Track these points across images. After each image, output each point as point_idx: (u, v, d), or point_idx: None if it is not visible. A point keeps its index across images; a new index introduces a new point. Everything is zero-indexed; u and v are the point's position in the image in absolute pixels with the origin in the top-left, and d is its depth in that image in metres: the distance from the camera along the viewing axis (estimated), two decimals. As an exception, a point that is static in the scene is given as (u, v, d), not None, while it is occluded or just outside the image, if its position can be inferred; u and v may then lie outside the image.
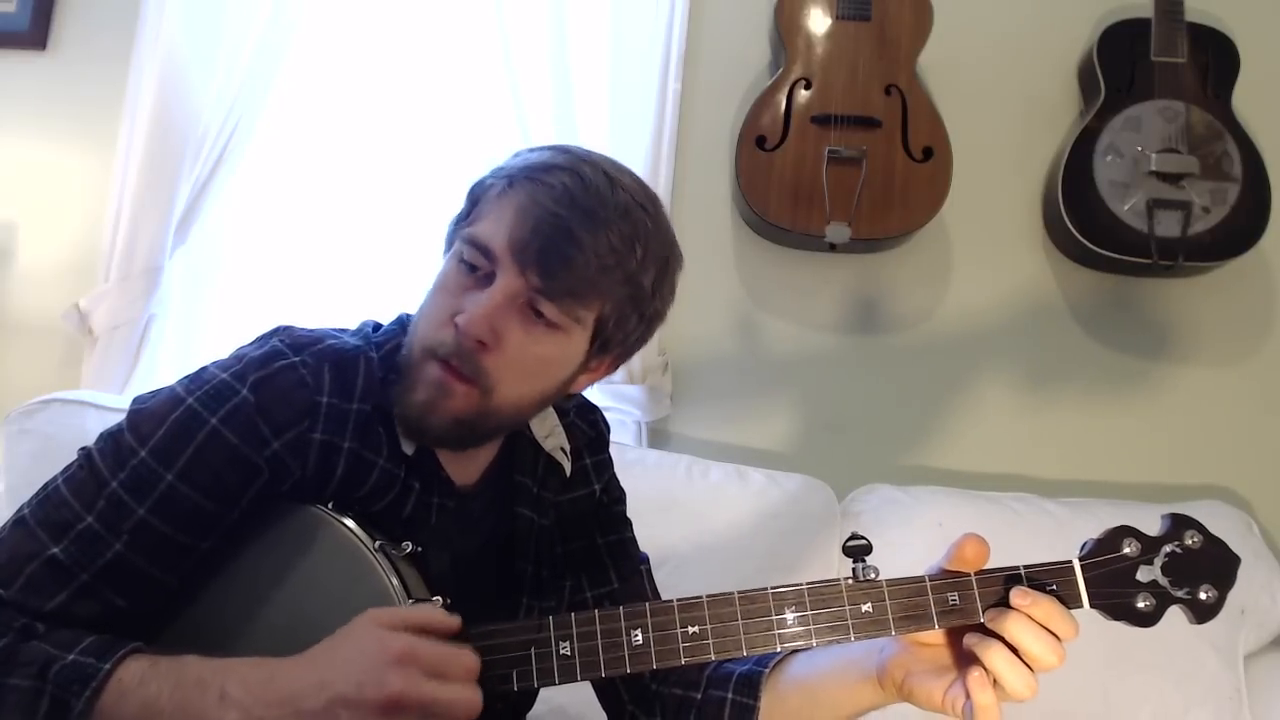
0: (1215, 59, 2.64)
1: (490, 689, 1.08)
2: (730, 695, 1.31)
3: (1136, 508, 2.40)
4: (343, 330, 1.29)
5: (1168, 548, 1.16)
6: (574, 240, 1.13)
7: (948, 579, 1.15)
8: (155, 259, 2.56)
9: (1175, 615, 1.16)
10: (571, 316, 1.17)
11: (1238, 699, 2.25)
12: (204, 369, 1.19)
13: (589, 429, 1.47)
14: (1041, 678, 1.10)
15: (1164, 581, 1.15)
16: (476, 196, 1.24)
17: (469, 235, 1.18)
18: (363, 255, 2.76)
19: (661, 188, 2.60)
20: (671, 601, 1.15)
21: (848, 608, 1.14)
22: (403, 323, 1.29)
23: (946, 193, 2.57)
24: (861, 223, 2.53)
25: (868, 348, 2.78)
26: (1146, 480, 2.69)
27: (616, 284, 1.17)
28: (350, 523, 1.16)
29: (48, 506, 1.12)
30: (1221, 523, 2.23)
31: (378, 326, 1.32)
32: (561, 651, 1.13)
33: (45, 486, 1.15)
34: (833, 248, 2.60)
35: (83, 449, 1.17)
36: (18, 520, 1.13)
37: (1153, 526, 1.19)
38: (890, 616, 1.14)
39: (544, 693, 1.24)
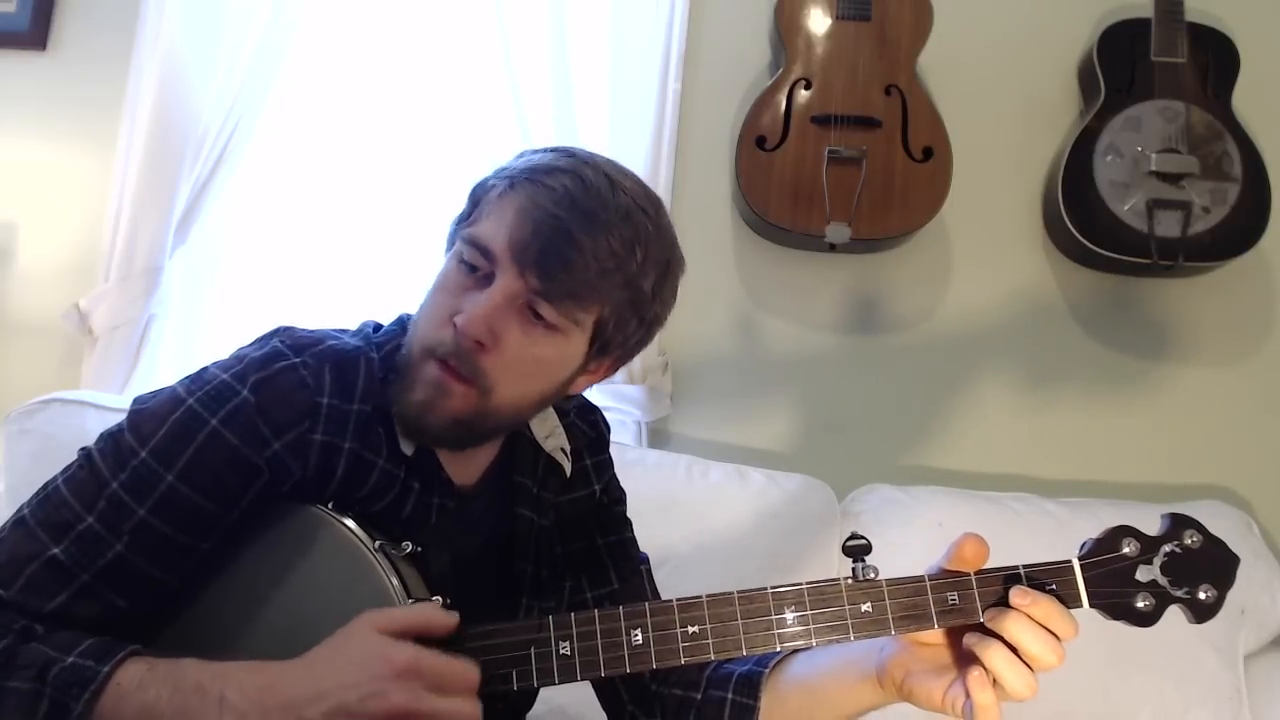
0: (1215, 59, 2.64)
1: (490, 689, 1.08)
2: (730, 695, 1.31)
3: (1136, 508, 2.40)
4: (343, 331, 1.29)
5: (1167, 547, 1.16)
6: (574, 243, 1.13)
7: (947, 579, 1.15)
8: (155, 259, 2.56)
9: (1175, 615, 1.16)
10: (570, 319, 1.17)
11: (1238, 699, 2.25)
12: (205, 369, 1.19)
13: (589, 429, 1.47)
14: (1042, 677, 1.10)
15: (1163, 581, 1.15)
16: (478, 197, 1.24)
17: (469, 236, 1.18)
18: (363, 255, 2.76)
19: (661, 188, 2.60)
20: (671, 601, 1.15)
21: (847, 607, 1.14)
22: (403, 323, 1.29)
23: (946, 193, 2.57)
24: (861, 223, 2.53)
25: (868, 348, 2.78)
26: (1146, 480, 2.69)
27: (616, 287, 1.17)
28: (350, 523, 1.16)
29: (48, 507, 1.12)
30: (1221, 523, 2.23)
31: (378, 327, 1.32)
32: (561, 651, 1.13)
33: (45, 486, 1.15)
34: (833, 248, 2.60)
35: (83, 449, 1.17)
36: (18, 520, 1.13)
37: (1152, 526, 1.19)
38: (890, 616, 1.14)
39: (544, 692, 1.24)
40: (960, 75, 2.77)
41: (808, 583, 1.15)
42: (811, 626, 1.14)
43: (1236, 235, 2.54)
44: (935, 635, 1.18)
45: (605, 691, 1.43)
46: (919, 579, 1.15)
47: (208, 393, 1.14)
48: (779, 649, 1.15)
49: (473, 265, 1.17)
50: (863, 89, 2.59)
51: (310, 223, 2.77)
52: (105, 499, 1.11)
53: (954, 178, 2.57)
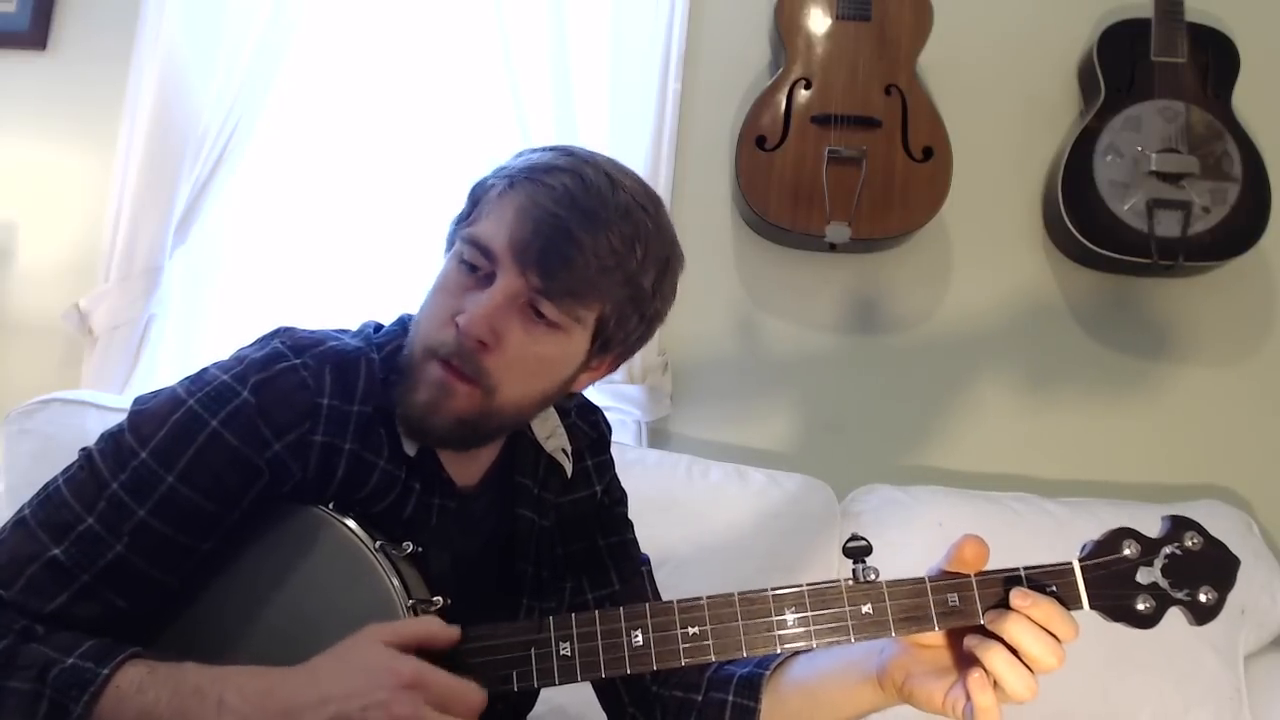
0: (1215, 59, 2.64)
1: (491, 689, 1.08)
2: (731, 697, 1.31)
3: (1136, 508, 2.40)
4: (344, 331, 1.29)
5: (1167, 549, 1.16)
6: (574, 241, 1.13)
7: (947, 580, 1.15)
8: (155, 259, 2.56)
9: (1175, 616, 1.16)
10: (572, 316, 1.17)
11: (1238, 699, 2.25)
12: (205, 370, 1.19)
13: (590, 430, 1.47)
14: (1042, 678, 1.10)
15: (1164, 583, 1.15)
16: (477, 197, 1.24)
17: (469, 235, 1.18)
18: (363, 255, 2.76)
19: (661, 188, 2.59)
20: (672, 602, 1.15)
21: (848, 609, 1.14)
22: (404, 323, 1.29)
23: (946, 193, 2.57)
24: (861, 223, 2.53)
25: (868, 348, 2.78)
26: (1146, 480, 2.69)
27: (617, 285, 1.17)
28: (351, 523, 1.16)
29: (48, 507, 1.12)
30: (1221, 523, 2.25)
31: (379, 327, 1.32)
32: (562, 652, 1.13)
33: (46, 487, 1.15)
34: (833, 248, 2.60)
35: (83, 449, 1.17)
36: (18, 521, 1.13)
37: (1153, 527, 1.19)
38: (890, 618, 1.14)
39: (544, 693, 1.24)
40: (960, 75, 2.77)
41: (808, 584, 1.15)
42: (812, 628, 1.14)
43: (1236, 235, 2.54)
44: (936, 637, 1.18)
45: (605, 693, 1.43)
46: (919, 580, 1.15)
47: (208, 394, 1.15)
48: (779, 651, 1.15)
49: (473, 265, 1.17)
50: (863, 89, 2.59)
51: (310, 222, 2.77)
52: (105, 500, 1.11)
53: (954, 178, 2.56)
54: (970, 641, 1.13)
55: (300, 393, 1.16)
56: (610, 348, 1.25)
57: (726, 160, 2.72)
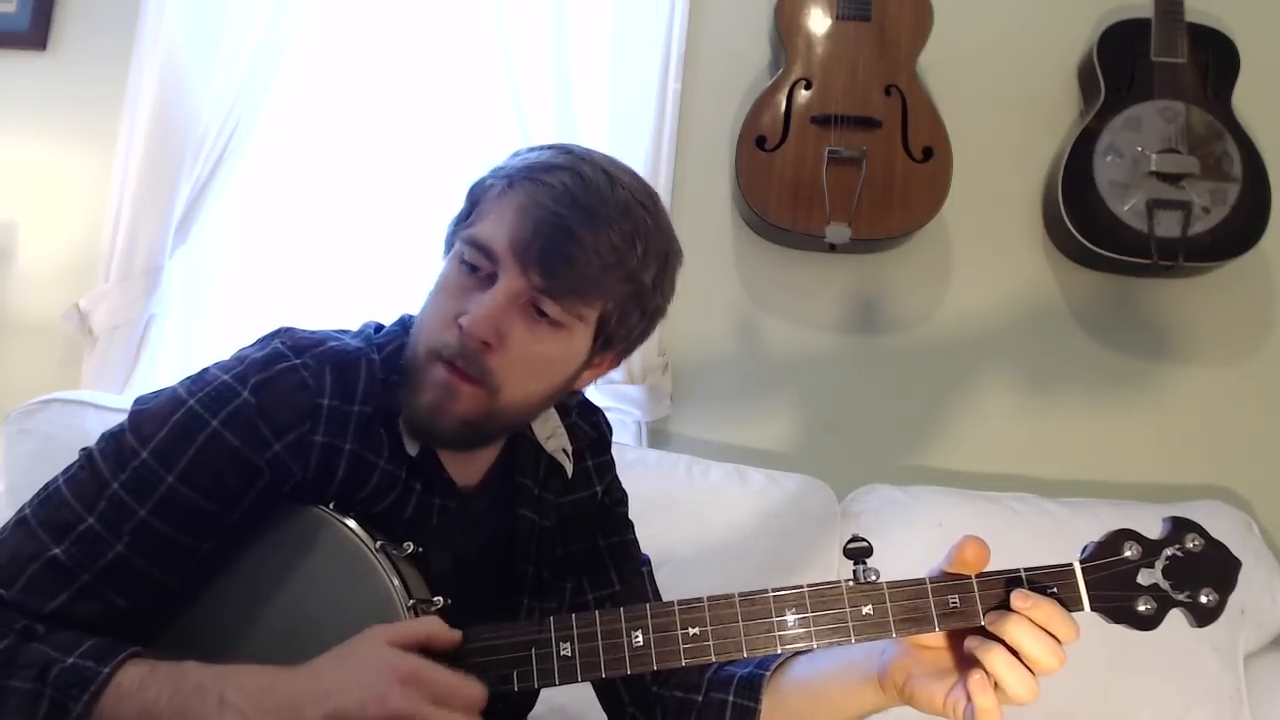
0: (1215, 59, 2.64)
1: (491, 689, 1.08)
2: (731, 698, 1.31)
3: (1136, 508, 2.40)
4: (344, 332, 1.29)
5: (1169, 551, 1.16)
6: (575, 239, 1.13)
7: (948, 581, 1.15)
8: (155, 259, 2.56)
9: (1176, 618, 1.16)
10: (574, 315, 1.17)
11: (1238, 699, 2.25)
12: (205, 370, 1.19)
13: (591, 430, 1.47)
14: (1042, 678, 1.10)
15: (1165, 585, 1.15)
16: (476, 197, 1.24)
17: (470, 236, 1.18)
18: (363, 255, 2.76)
19: (661, 188, 2.59)
20: (672, 603, 1.16)
21: (848, 610, 1.14)
22: (404, 324, 1.29)
23: (946, 193, 2.57)
24: (861, 223, 2.53)
25: (868, 348, 2.78)
26: (1146, 480, 2.69)
27: (618, 281, 1.18)
28: (352, 523, 1.16)
29: (49, 507, 1.12)
30: (1221, 523, 2.25)
31: (379, 328, 1.32)
32: (562, 652, 1.14)
33: (47, 487, 1.15)
34: (833, 248, 2.60)
35: (84, 449, 1.17)
36: (19, 521, 1.13)
37: (1153, 527, 1.19)
38: (891, 619, 1.14)
39: (544, 693, 1.24)
40: (960, 75, 2.77)
41: (809, 585, 1.15)
42: (813, 629, 1.14)
43: (1236, 235, 2.54)
44: (936, 638, 1.18)
45: (606, 693, 1.43)
46: (920, 582, 1.15)
47: (209, 394, 1.15)
48: (780, 651, 1.15)
49: (474, 265, 1.17)
50: (863, 89, 2.59)
51: (310, 223, 2.77)
52: (106, 499, 1.11)
53: (954, 178, 2.56)
54: (971, 643, 1.13)
55: (300, 393, 1.16)
56: (612, 344, 1.25)
57: (726, 160, 2.72)
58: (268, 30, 2.60)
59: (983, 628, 1.13)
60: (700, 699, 1.35)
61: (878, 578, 1.15)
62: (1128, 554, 1.15)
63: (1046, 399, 2.75)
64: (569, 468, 1.41)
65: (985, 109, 2.79)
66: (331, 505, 1.18)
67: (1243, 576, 1.17)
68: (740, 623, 1.14)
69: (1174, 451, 2.74)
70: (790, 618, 1.14)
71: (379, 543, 1.15)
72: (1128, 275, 2.72)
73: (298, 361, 1.18)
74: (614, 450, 1.50)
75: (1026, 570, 1.15)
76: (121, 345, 2.55)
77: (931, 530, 2.28)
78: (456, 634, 1.10)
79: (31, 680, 1.02)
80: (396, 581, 1.13)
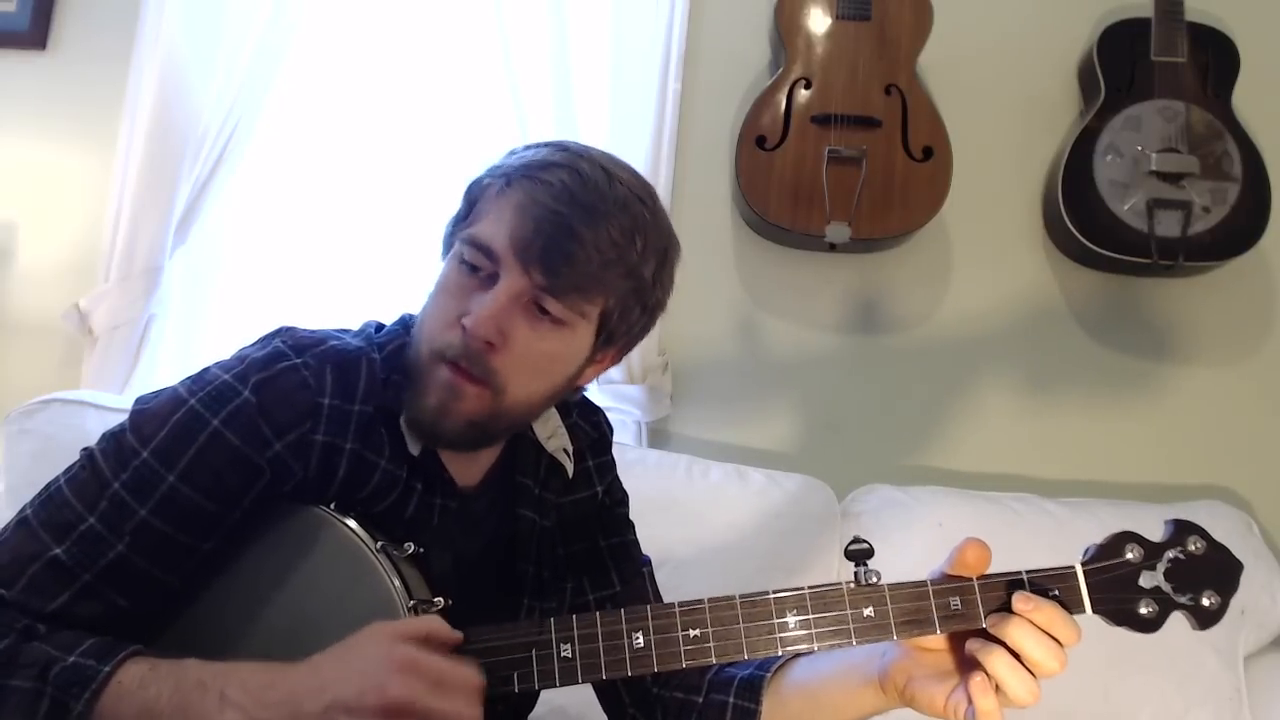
0: (1215, 59, 2.64)
1: (491, 690, 1.08)
2: (732, 699, 1.31)
3: (1136, 508, 2.41)
4: (345, 331, 1.29)
5: (1170, 553, 1.15)
6: (575, 236, 1.13)
7: (950, 584, 1.15)
8: (155, 259, 2.56)
9: (1177, 620, 1.16)
10: (577, 312, 1.17)
11: (1238, 699, 2.25)
12: (206, 370, 1.19)
13: (592, 430, 1.47)
14: (1043, 680, 1.10)
15: (1167, 587, 1.14)
16: (474, 197, 1.24)
17: (469, 236, 1.18)
18: (363, 255, 2.76)
19: (661, 188, 2.59)
20: (673, 604, 1.15)
21: (849, 612, 1.14)
22: (405, 323, 1.29)
23: (946, 193, 2.57)
24: (861, 223, 2.53)
25: (868, 347, 2.78)
26: (1146, 480, 2.69)
27: (619, 277, 1.18)
28: (352, 523, 1.16)
29: (50, 507, 1.12)
30: (1221, 523, 2.25)
31: (380, 327, 1.32)
32: (562, 653, 1.14)
33: (48, 487, 1.15)
34: (833, 248, 2.60)
35: (85, 449, 1.17)
36: (21, 521, 1.13)
37: (1152, 527, 1.19)
38: (892, 621, 1.14)
39: (544, 694, 1.23)
40: (960, 75, 2.77)
41: (809, 587, 1.15)
42: (813, 631, 1.14)
43: (1236, 235, 2.54)
44: (937, 640, 1.18)
45: (606, 694, 1.43)
46: (921, 584, 1.15)
47: (209, 393, 1.15)
48: (781, 653, 1.15)
49: (474, 265, 1.17)
50: (863, 89, 2.59)
51: (311, 222, 2.77)
52: (107, 499, 1.11)
53: (954, 178, 2.56)
54: (972, 645, 1.13)
55: (301, 392, 1.16)
56: (614, 340, 1.26)
57: (726, 160, 2.72)
58: (268, 30, 2.60)
59: (984, 630, 1.13)
60: (701, 700, 1.35)
61: (879, 579, 1.15)
62: (1129, 556, 1.15)
63: (1046, 399, 2.75)
64: (570, 468, 1.40)
65: (985, 109, 2.79)
66: (332, 505, 1.17)
67: (1243, 577, 1.17)
68: (741, 624, 1.14)
69: (1174, 451, 2.74)
70: (791, 619, 1.14)
71: (379, 543, 1.15)
72: (1128, 275, 2.72)
73: (298, 361, 1.18)
74: (614, 450, 1.50)
75: (1028, 572, 1.15)
76: (121, 345, 2.55)
77: (931, 530, 2.29)
78: (457, 633, 1.10)
79: (32, 679, 1.02)
80: (397, 582, 1.13)
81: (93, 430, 1.19)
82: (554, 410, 1.39)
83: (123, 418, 1.17)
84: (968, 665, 1.13)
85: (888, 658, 1.21)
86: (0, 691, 1.02)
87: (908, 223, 2.58)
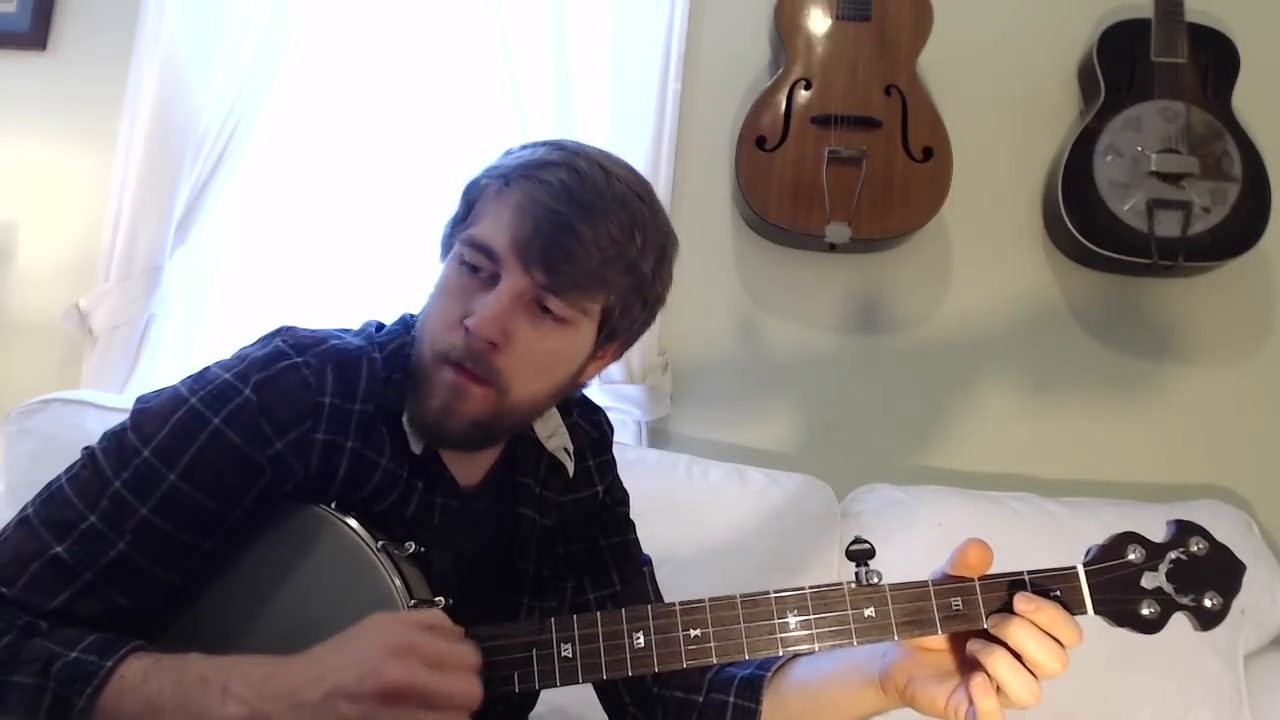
0: (1215, 59, 2.64)
1: (491, 690, 1.08)
2: (732, 699, 1.31)
3: (1136, 508, 2.40)
4: (345, 330, 1.29)
5: (1173, 554, 1.15)
6: (575, 235, 1.14)
7: (951, 584, 1.15)
8: (155, 259, 2.56)
9: (1179, 621, 1.16)
10: (579, 309, 1.18)
11: (1238, 699, 2.25)
12: (207, 369, 1.19)
13: (592, 430, 1.47)
14: (1043, 681, 1.09)
15: (1169, 588, 1.14)
16: (472, 198, 1.24)
17: (469, 237, 1.18)
18: (363, 255, 2.76)
19: (661, 188, 2.59)
20: (674, 604, 1.15)
21: (850, 612, 1.14)
22: (405, 323, 1.29)
23: (946, 193, 2.57)
24: (861, 223, 2.53)
25: (868, 347, 2.78)
26: (1146, 480, 2.69)
27: (619, 274, 1.18)
28: (353, 523, 1.16)
29: (51, 506, 1.12)
30: (1221, 523, 2.25)
31: (380, 326, 1.32)
32: (563, 653, 1.13)
33: (49, 486, 1.15)
34: (833, 248, 2.60)
35: (86, 448, 1.17)
36: (22, 519, 1.13)
37: (1152, 526, 1.19)
38: (893, 621, 1.13)
39: (544, 693, 1.23)
40: (960, 75, 2.77)
41: (810, 587, 1.15)
42: (814, 631, 1.14)
43: (1236, 235, 2.54)
44: (939, 641, 1.18)
45: (607, 693, 1.43)
46: (923, 584, 1.15)
47: (210, 392, 1.15)
48: (781, 653, 1.15)
49: (475, 266, 1.18)
50: (863, 89, 2.59)
51: (311, 222, 2.77)
52: (108, 498, 1.11)
53: (954, 178, 2.56)
54: (973, 646, 1.13)
55: (302, 391, 1.16)
56: (616, 336, 1.26)
57: (726, 160, 2.72)
58: (268, 30, 2.60)
59: (985, 630, 1.13)
60: (701, 700, 1.35)
61: (880, 580, 1.15)
62: (1131, 557, 1.15)
63: (1046, 399, 2.75)
64: (570, 467, 1.41)
65: (985, 109, 2.79)
66: (333, 504, 1.17)
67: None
68: (742, 624, 1.14)
69: (1174, 451, 2.74)
70: (792, 619, 1.14)
71: (380, 542, 1.15)
72: (1128, 275, 2.72)
73: (299, 360, 1.18)
74: (614, 450, 1.50)
75: (1029, 573, 1.15)
76: (121, 345, 2.55)
77: (932, 530, 2.29)
78: (458, 628, 1.10)
79: (34, 675, 1.02)
80: (398, 581, 1.13)
81: (93, 430, 1.19)
82: (554, 409, 1.39)
83: (123, 418, 1.17)
84: (969, 666, 1.13)
85: (889, 658, 1.21)
86: (3, 688, 1.02)
87: (908, 223, 2.58)
